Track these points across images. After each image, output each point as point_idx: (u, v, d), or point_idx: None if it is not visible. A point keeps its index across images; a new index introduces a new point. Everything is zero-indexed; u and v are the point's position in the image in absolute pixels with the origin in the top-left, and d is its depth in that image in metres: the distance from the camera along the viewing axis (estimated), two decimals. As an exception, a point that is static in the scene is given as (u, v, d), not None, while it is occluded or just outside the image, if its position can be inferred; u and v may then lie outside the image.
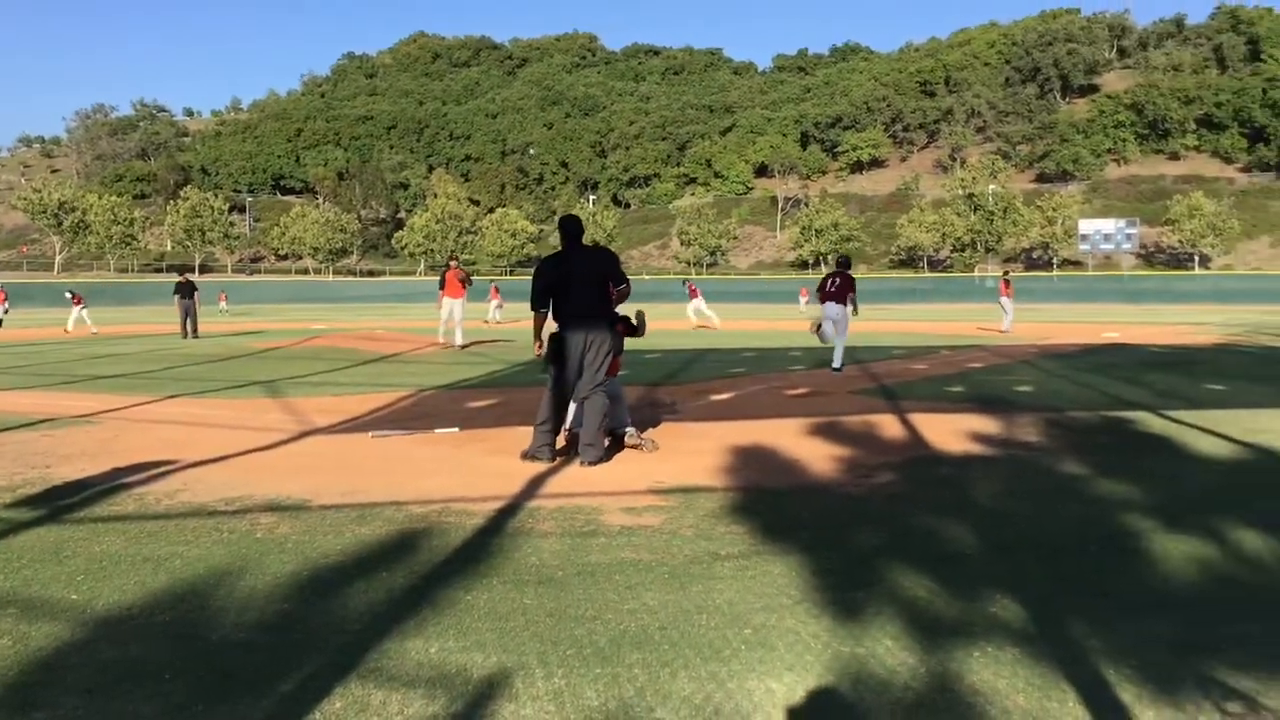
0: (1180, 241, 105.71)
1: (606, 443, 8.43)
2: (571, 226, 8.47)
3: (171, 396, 13.07)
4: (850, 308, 16.99)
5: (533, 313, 8.39)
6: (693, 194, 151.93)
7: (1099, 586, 5.01)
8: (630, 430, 8.88)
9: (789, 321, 43.31)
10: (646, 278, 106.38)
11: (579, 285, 8.20)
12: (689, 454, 8.59)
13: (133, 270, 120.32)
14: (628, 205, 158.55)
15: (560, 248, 8.48)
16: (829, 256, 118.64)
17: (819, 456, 8.40)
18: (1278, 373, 16.36)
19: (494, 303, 41.41)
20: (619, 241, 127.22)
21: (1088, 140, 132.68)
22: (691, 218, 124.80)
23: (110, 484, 7.31)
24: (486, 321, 38.24)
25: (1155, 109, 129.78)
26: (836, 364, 16.61)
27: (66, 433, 9.79)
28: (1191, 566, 5.31)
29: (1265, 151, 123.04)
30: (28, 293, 70.67)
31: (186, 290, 29.84)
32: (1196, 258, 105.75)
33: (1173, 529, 6.00)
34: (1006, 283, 32.24)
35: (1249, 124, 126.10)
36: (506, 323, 38.71)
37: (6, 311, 41.72)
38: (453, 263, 24.10)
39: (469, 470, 7.91)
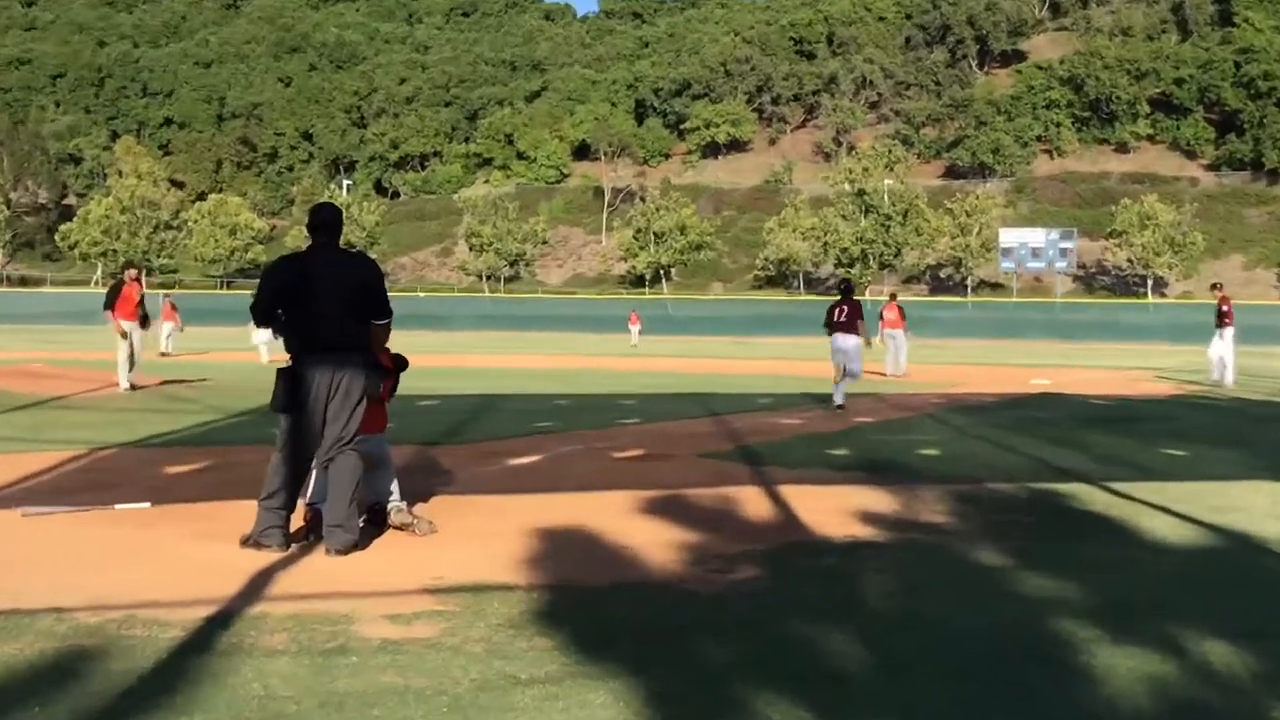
0: (1130, 260, 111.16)
1: (362, 522, 8.32)
2: (324, 218, 8.33)
3: None
4: (862, 338, 19.86)
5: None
6: (487, 180, 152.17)
7: (1023, 715, 5.16)
8: (397, 505, 8.79)
9: (617, 359, 43.54)
10: (421, 295, 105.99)
11: (326, 301, 8.02)
12: (478, 538, 8.57)
13: None
14: (396, 194, 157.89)
15: (305, 248, 8.37)
16: (673, 270, 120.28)
17: (657, 543, 8.46)
18: (1250, 433, 17.16)
19: (169, 326, 40.78)
20: (384, 245, 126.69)
21: (1011, 124, 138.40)
22: (484, 213, 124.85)
23: None
24: (165, 353, 37.70)
25: (1097, 85, 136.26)
26: (839, 400, 19.25)
27: None
28: (1141, 687, 5.46)
29: (1237, 144, 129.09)
30: None
31: None
32: (1150, 281, 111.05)
33: (1119, 638, 6.16)
34: (899, 310, 33.01)
35: (1217, 107, 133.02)
36: (184, 354, 38.16)
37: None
38: (130, 272, 23.45)
39: (165, 562, 7.69)
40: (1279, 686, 5.50)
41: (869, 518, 9.53)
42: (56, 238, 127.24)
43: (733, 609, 6.69)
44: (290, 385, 8.00)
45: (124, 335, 21.97)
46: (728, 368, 36.90)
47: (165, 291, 50.06)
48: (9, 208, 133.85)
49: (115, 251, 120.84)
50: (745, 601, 6.85)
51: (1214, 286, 31.88)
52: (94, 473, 11.71)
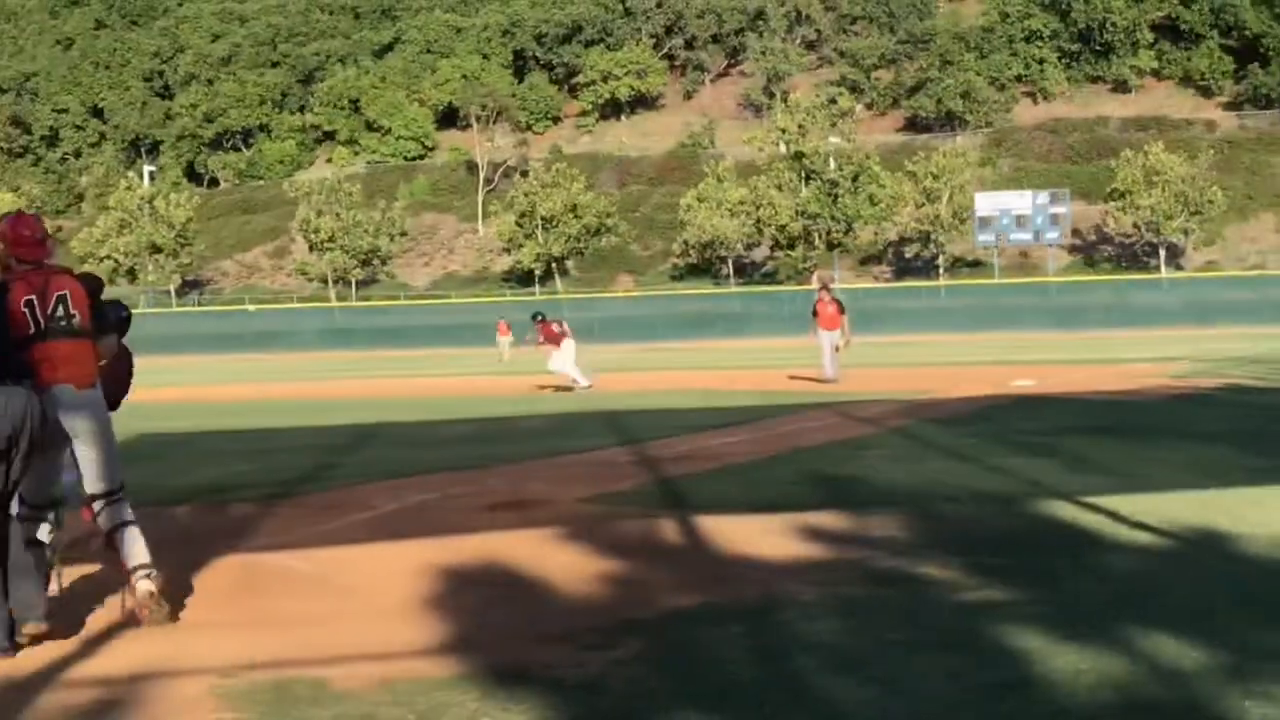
0: (1136, 226, 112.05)
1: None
2: (34, 232, 8.56)
3: None
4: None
5: None
6: (330, 159, 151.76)
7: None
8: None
9: (486, 378, 43.52)
10: (251, 308, 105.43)
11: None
12: (269, 623, 8.49)
13: None
14: (214, 182, 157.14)
15: None
16: (569, 262, 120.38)
17: (511, 621, 8.41)
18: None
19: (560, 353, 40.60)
20: (200, 246, 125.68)
21: (983, 62, 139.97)
22: (325, 202, 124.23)
23: None
24: None
25: (1088, 10, 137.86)
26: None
27: None
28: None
29: (1261, 77, 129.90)
30: None
31: None
32: (1162, 251, 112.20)
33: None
34: (836, 302, 33.12)
35: (1235, 32, 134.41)
36: None
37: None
38: None
39: None
40: None
41: (799, 568, 9.47)
42: None
43: (611, 698, 6.51)
44: None
45: None
46: (641, 383, 36.85)
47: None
48: None
49: None
50: (627, 687, 6.68)
51: None
52: None
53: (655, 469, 15.86)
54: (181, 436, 23.23)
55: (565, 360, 34.49)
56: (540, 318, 36.04)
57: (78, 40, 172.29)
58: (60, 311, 8.48)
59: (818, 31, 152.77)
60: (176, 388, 39.95)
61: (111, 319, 10.16)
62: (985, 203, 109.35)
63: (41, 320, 8.39)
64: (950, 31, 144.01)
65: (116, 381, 10.17)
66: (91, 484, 8.63)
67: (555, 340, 34.92)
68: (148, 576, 8.63)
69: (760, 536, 10.64)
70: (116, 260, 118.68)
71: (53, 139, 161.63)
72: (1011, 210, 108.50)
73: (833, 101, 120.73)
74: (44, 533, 8.62)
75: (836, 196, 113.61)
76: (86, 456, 8.59)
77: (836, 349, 32.45)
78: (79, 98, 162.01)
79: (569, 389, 33.53)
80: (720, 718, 6.22)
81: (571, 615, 8.40)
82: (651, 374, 42.14)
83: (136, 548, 8.71)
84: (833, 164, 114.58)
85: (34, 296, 8.39)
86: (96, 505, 8.67)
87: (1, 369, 8.16)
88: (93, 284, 9.04)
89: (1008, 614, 7.97)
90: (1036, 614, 7.93)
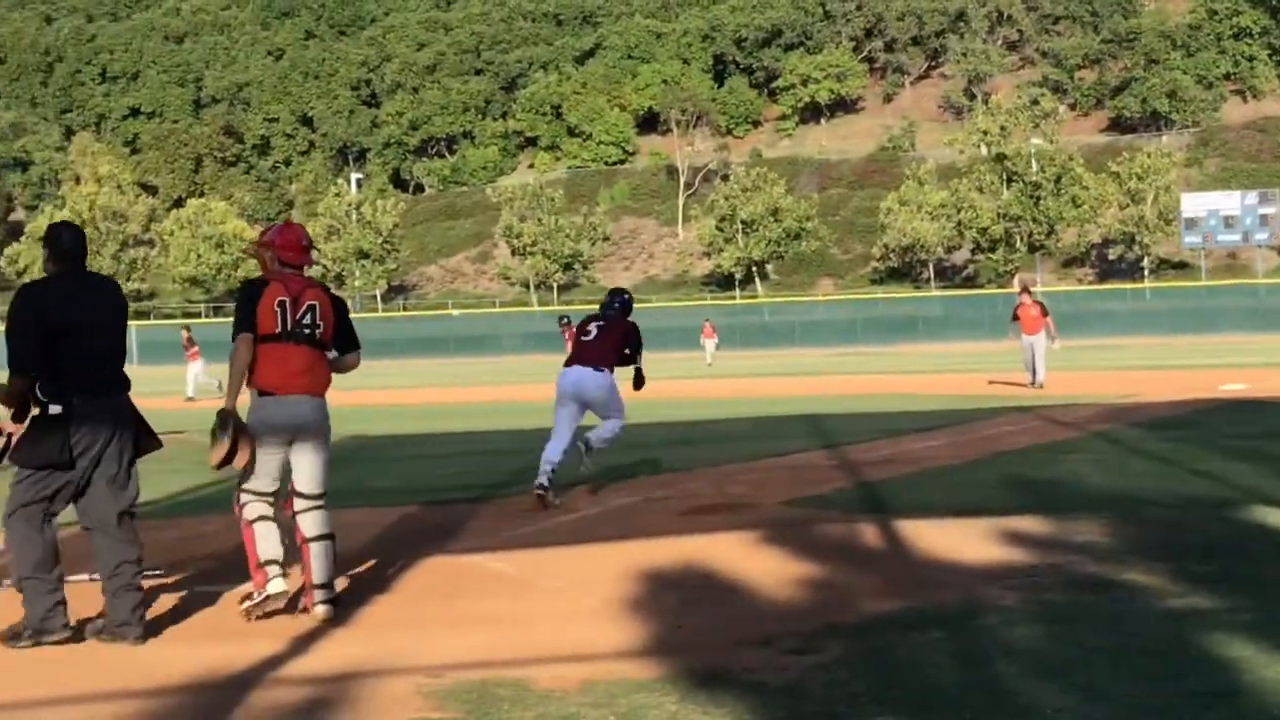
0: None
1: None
2: (70, 242, 8.62)
3: None
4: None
5: (17, 376, 8.27)
6: (532, 165, 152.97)
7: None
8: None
9: (690, 381, 43.48)
10: (455, 313, 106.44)
11: (99, 336, 8.41)
12: (485, 622, 8.55)
13: None
14: (419, 188, 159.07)
15: (55, 272, 8.60)
16: (769, 266, 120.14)
17: (712, 623, 8.39)
18: None
19: (197, 365, 41.98)
20: (405, 251, 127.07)
21: (1190, 60, 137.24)
22: (527, 207, 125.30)
23: None
24: (190, 398, 39.66)
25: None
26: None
27: None
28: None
29: None
30: None
31: None
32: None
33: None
34: (1039, 304, 32.63)
35: None
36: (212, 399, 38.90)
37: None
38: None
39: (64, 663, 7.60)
40: None
41: (1001, 573, 9.37)
42: (2, 261, 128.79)
43: (811, 703, 6.49)
44: (58, 438, 8.19)
45: None
46: (842, 387, 36.62)
47: (184, 323, 50.60)
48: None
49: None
50: (828, 691, 6.67)
51: None
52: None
53: (856, 472, 15.75)
54: (387, 439, 23.52)
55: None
56: (566, 321, 37.28)
57: (288, 51, 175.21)
58: (307, 319, 8.89)
59: (1019, 32, 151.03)
60: (382, 391, 40.50)
61: (614, 304, 14.47)
62: (1191, 203, 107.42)
63: (289, 323, 8.79)
64: (1156, 30, 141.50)
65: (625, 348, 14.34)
66: (304, 485, 8.98)
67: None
68: (326, 601, 8.85)
69: (961, 541, 10.56)
70: (325, 266, 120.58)
71: (264, 148, 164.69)
72: (1219, 211, 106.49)
73: (1035, 102, 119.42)
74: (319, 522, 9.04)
75: (1039, 198, 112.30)
76: (305, 460, 8.96)
77: (1041, 350, 32.01)
78: (289, 107, 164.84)
79: None
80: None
81: (772, 619, 8.34)
82: (851, 378, 41.90)
83: (324, 564, 8.94)
84: (1035, 165, 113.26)
85: (288, 299, 8.80)
86: (300, 504, 8.96)
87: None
88: (341, 305, 9.34)
89: (1215, 622, 7.81)
90: (1245, 622, 7.76)
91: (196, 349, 42.44)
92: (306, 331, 8.89)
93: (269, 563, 8.81)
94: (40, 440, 8.19)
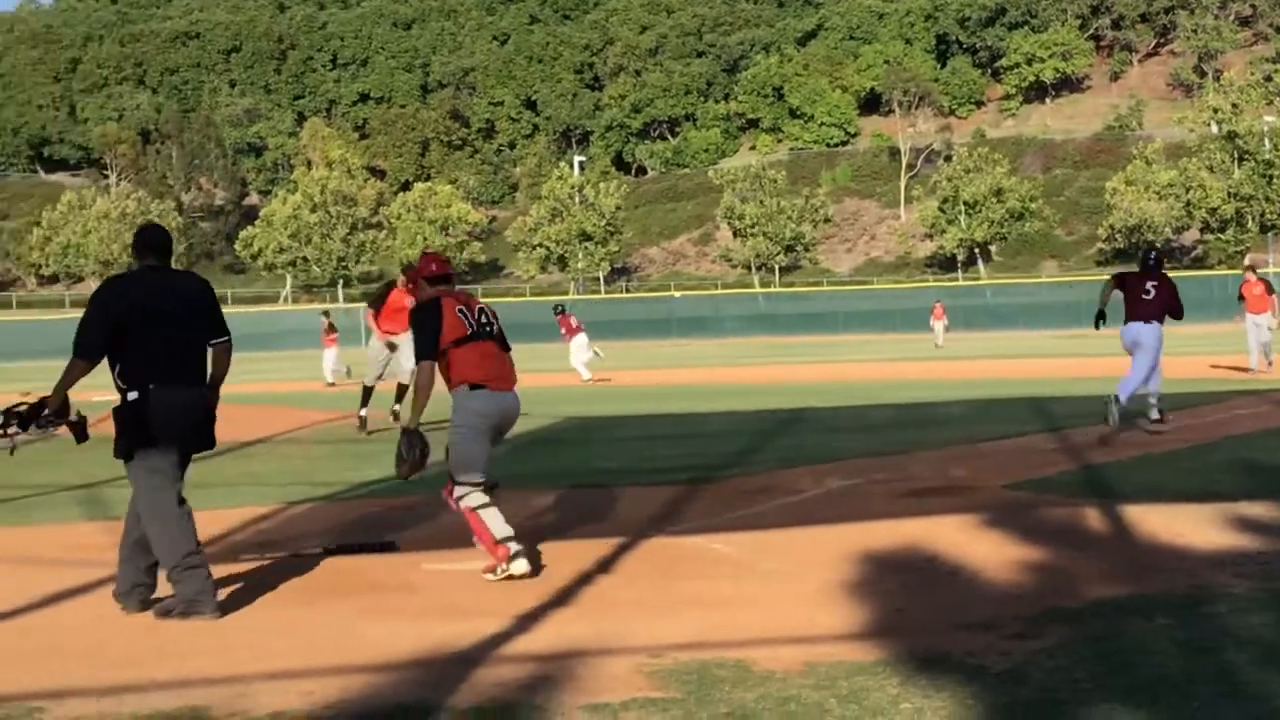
0: None
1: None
2: (154, 239, 9.23)
3: None
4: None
5: (81, 361, 8.73)
6: (753, 147, 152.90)
7: None
8: None
9: (918, 363, 43.19)
10: (677, 294, 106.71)
11: (174, 329, 8.86)
12: (703, 604, 8.59)
13: None
14: (641, 170, 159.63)
15: (138, 267, 9.15)
16: (992, 247, 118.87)
17: (931, 603, 8.39)
18: None
19: (332, 353, 41.99)
20: (628, 233, 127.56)
21: None
22: (749, 189, 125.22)
23: None
24: (331, 384, 39.79)
25: None
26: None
27: None
28: None
29: None
30: None
31: None
32: None
33: None
34: (1264, 283, 31.88)
35: None
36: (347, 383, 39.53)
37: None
38: (403, 277, 21.23)
39: (323, 644, 7.76)
40: None
41: (1230, 560, 9.18)
42: (237, 245, 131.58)
43: (1033, 688, 6.44)
44: (144, 422, 8.71)
45: (392, 349, 21.72)
46: (1066, 370, 36.13)
47: (325, 308, 51.53)
48: (181, 212, 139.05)
49: (305, 260, 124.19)
50: (1050, 677, 6.61)
51: None
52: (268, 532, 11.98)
53: (1079, 455, 15.54)
54: (609, 420, 23.69)
55: (575, 354, 36.47)
56: (561, 310, 37.70)
57: (513, 35, 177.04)
58: (484, 319, 9.77)
59: (1253, 7, 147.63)
60: (604, 372, 40.80)
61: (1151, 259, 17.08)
62: None
63: (473, 324, 9.59)
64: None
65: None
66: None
67: (572, 333, 36.77)
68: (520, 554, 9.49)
69: (1189, 526, 10.35)
70: (548, 248, 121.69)
71: (489, 131, 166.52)
72: None
73: (1269, 79, 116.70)
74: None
75: (1272, 178, 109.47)
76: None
77: (1269, 330, 31.29)
78: (513, 91, 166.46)
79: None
80: (1146, 712, 6.07)
81: (994, 603, 8.29)
82: (1075, 360, 41.28)
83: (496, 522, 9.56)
84: (1268, 144, 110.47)
85: (462, 306, 9.62)
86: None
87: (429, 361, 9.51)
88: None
89: None
90: None
91: (335, 335, 42.85)
92: (489, 329, 9.74)
93: (506, 539, 9.37)
94: (125, 427, 8.72)
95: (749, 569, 9.76)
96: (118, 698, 6.83)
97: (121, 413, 8.75)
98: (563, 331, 36.99)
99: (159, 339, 8.73)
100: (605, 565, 9.90)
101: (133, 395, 8.71)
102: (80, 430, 9.01)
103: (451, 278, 10.08)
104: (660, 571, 9.76)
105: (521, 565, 9.36)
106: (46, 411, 8.97)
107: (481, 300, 10.14)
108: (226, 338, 9.12)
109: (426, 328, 9.51)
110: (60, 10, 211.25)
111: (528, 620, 8.25)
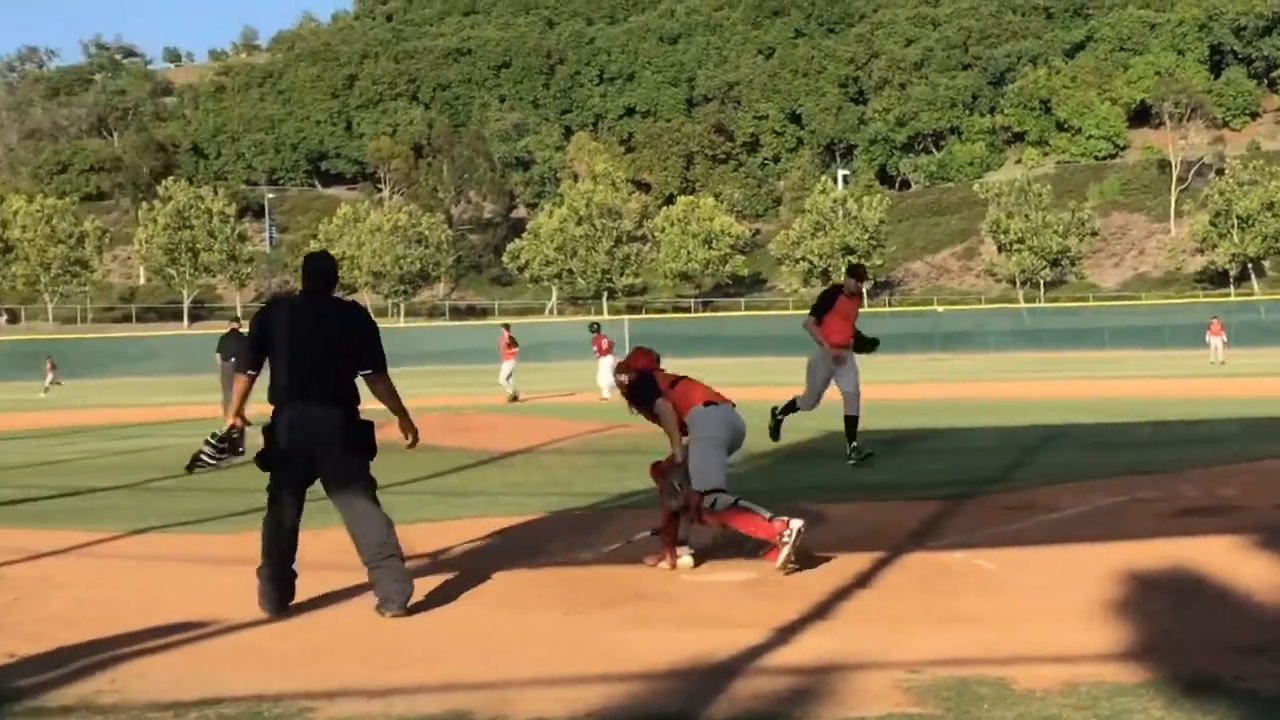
0: None
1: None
2: (313, 269, 9.81)
3: (137, 532, 13.37)
4: None
5: (239, 375, 9.79)
6: (1019, 160, 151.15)
7: None
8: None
9: (1191, 380, 42.36)
10: (940, 309, 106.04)
11: (306, 353, 9.37)
12: (963, 620, 8.52)
13: (84, 319, 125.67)
14: (905, 184, 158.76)
15: (299, 293, 9.94)
16: (1266, 262, 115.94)
17: (1197, 628, 8.17)
18: None
19: (509, 365, 41.74)
20: (891, 247, 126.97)
21: None
22: (1014, 203, 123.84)
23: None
24: (514, 398, 39.80)
25: None
26: None
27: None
28: None
29: None
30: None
31: (236, 348, 31.09)
32: None
33: None
34: None
35: None
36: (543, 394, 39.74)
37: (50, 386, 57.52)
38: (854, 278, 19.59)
39: (585, 655, 7.83)
40: None
41: None
42: (505, 258, 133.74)
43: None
44: (266, 443, 9.49)
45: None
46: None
47: (505, 321, 52.05)
48: (451, 225, 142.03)
49: (570, 272, 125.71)
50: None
51: None
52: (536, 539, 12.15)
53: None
54: (870, 434, 23.59)
55: (602, 372, 38.02)
56: (596, 329, 39.96)
57: (778, 49, 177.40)
58: None
59: None
60: (863, 385, 40.58)
61: None
62: None
63: None
64: None
65: None
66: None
67: (604, 354, 38.73)
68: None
69: None
70: (811, 262, 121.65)
71: (753, 145, 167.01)
72: None
73: None
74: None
75: None
76: None
77: None
78: (778, 104, 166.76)
79: None
80: None
81: (1266, 626, 8.09)
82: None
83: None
84: None
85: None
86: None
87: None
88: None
89: None
90: None
91: (515, 349, 42.42)
92: None
93: (775, 515, 9.90)
94: (264, 441, 9.49)
95: (1010, 585, 9.66)
96: (385, 699, 7.03)
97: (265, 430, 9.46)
98: (595, 350, 38.96)
99: (289, 362, 9.31)
100: (864, 579, 9.86)
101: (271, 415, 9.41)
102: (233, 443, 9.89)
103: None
104: (920, 586, 9.72)
105: (799, 521, 9.81)
106: (232, 427, 10.07)
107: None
108: (371, 370, 9.49)
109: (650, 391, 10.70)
110: (338, 29, 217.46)
111: (786, 632, 8.24)
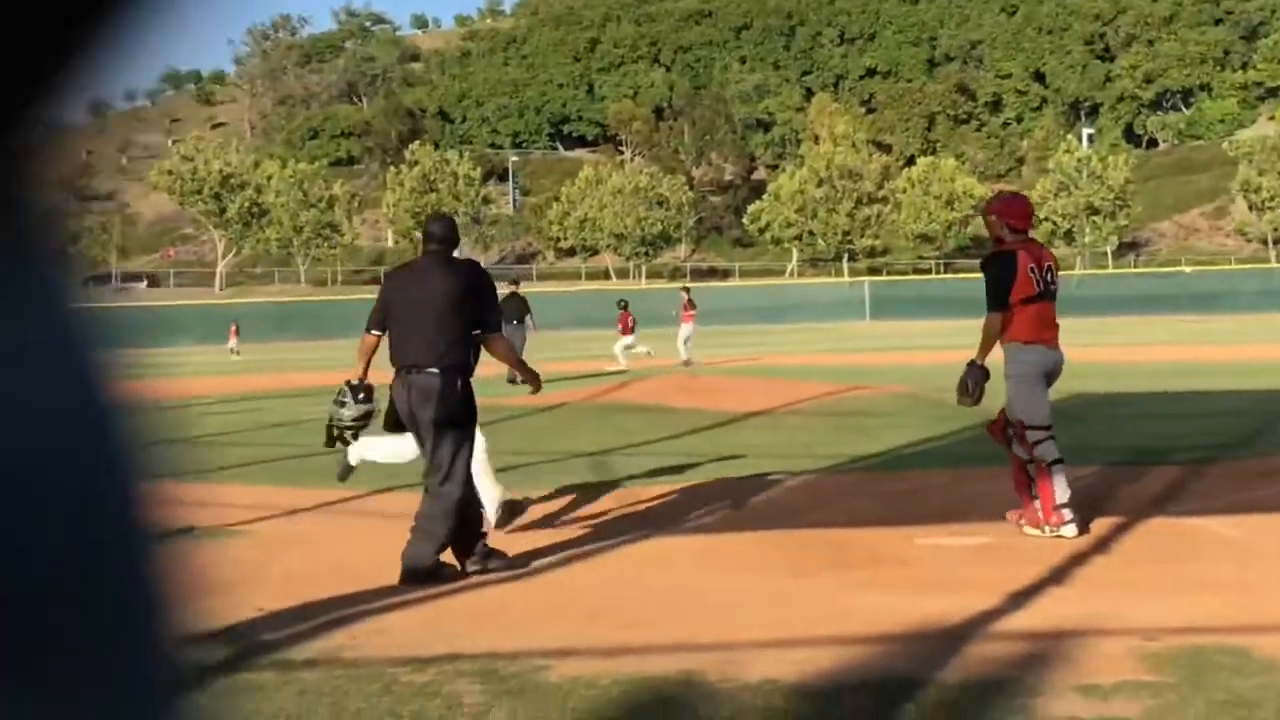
0: None
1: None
2: (433, 230, 9.97)
3: (384, 490, 13.47)
4: None
5: (366, 335, 10.05)
6: (1272, 117, 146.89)
7: None
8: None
9: None
10: (1188, 270, 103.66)
11: (422, 316, 9.55)
12: (1201, 587, 8.41)
13: (335, 281, 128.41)
14: (1152, 143, 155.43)
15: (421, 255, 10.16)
16: None
17: None
18: None
19: (687, 328, 40.89)
20: (1137, 207, 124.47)
21: None
22: (1266, 161, 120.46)
23: (247, 637, 7.74)
24: (687, 361, 39.11)
25: None
26: None
27: (194, 550, 10.51)
28: None
29: None
30: (179, 322, 76.30)
31: (517, 309, 31.60)
32: None
33: None
34: None
35: None
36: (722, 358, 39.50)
37: (236, 352, 59.55)
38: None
39: (818, 615, 7.89)
40: None
41: None
42: (745, 220, 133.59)
43: None
44: (389, 405, 9.76)
45: None
46: None
47: (684, 285, 51.76)
48: (692, 187, 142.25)
49: (811, 234, 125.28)
50: None
51: None
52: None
53: None
54: (1113, 397, 23.22)
55: (622, 344, 38.40)
56: (624, 305, 39.32)
57: (1021, 6, 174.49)
58: (1050, 278, 10.34)
59: None
60: (1106, 348, 39.94)
61: None
62: None
63: (1041, 284, 10.18)
64: None
65: None
66: (1045, 418, 10.24)
67: (627, 332, 38.69)
68: (1074, 521, 10.01)
69: None
70: (1054, 222, 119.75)
71: (995, 104, 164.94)
72: None
73: None
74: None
75: None
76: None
77: None
78: (1021, 63, 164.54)
79: None
80: None
81: None
82: None
83: (1066, 485, 10.12)
84: None
85: (1034, 264, 10.19)
86: (1038, 435, 10.15)
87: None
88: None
89: None
90: None
91: (693, 312, 41.35)
92: (1053, 289, 10.31)
93: (1063, 506, 9.93)
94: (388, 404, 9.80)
95: (1253, 553, 9.53)
96: (617, 659, 7.14)
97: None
98: (620, 327, 38.97)
99: (402, 325, 9.58)
100: (1102, 545, 9.81)
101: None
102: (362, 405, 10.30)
103: (1026, 231, 10.72)
104: (1159, 553, 9.62)
105: (1072, 530, 9.88)
106: (355, 383, 10.23)
107: (1050, 254, 10.71)
108: (483, 331, 9.66)
109: (1001, 279, 10.13)
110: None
111: (1020, 597, 8.22)
